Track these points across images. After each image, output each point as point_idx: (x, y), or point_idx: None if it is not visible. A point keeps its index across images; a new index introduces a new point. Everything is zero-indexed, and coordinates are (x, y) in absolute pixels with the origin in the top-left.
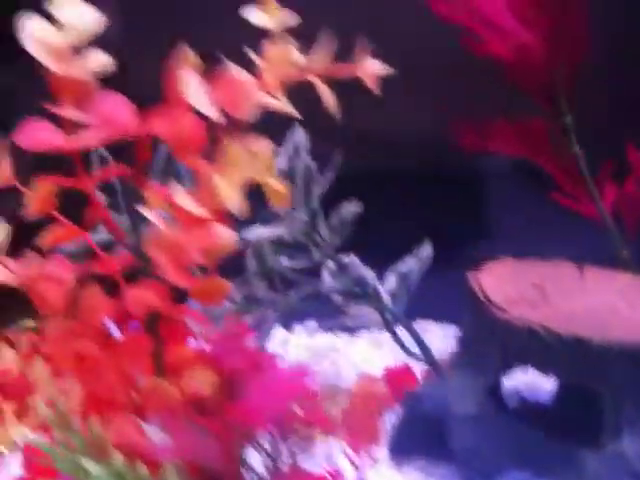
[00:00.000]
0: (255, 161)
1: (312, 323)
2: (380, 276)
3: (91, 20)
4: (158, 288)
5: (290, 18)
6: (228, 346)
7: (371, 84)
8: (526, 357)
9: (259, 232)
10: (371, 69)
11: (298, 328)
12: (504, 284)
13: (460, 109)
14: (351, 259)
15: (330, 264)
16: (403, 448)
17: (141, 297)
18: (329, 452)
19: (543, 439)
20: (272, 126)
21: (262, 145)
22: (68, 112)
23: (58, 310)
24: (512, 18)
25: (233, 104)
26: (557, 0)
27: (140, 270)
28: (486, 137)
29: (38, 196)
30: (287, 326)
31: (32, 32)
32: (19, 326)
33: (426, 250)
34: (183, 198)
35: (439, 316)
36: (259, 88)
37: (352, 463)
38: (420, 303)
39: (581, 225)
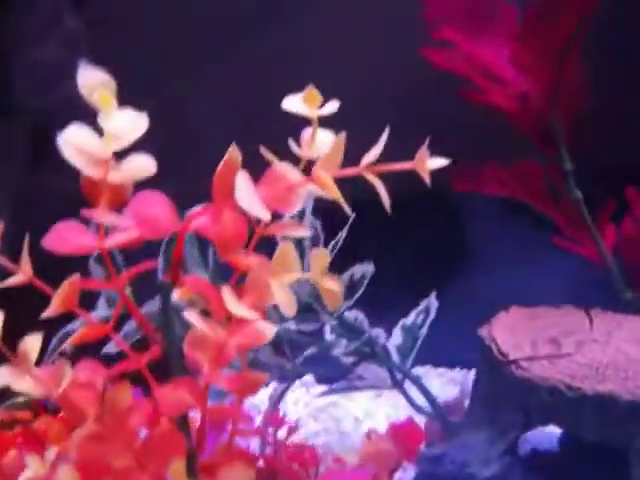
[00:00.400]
0: (312, 264)
1: (309, 378)
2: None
3: (137, 128)
4: (191, 386)
5: (334, 105)
6: (268, 440)
7: (426, 179)
8: (548, 416)
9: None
10: (430, 166)
11: (295, 384)
12: (517, 338)
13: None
14: (357, 316)
15: (333, 322)
16: None
17: (174, 397)
18: None
19: None
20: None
21: (321, 251)
22: (103, 217)
23: (90, 417)
24: (511, 67)
25: (283, 203)
26: (556, 48)
27: (173, 369)
28: (481, 181)
29: (62, 295)
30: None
31: (72, 140)
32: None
33: (431, 302)
34: (233, 302)
35: (438, 360)
36: (309, 184)
37: None
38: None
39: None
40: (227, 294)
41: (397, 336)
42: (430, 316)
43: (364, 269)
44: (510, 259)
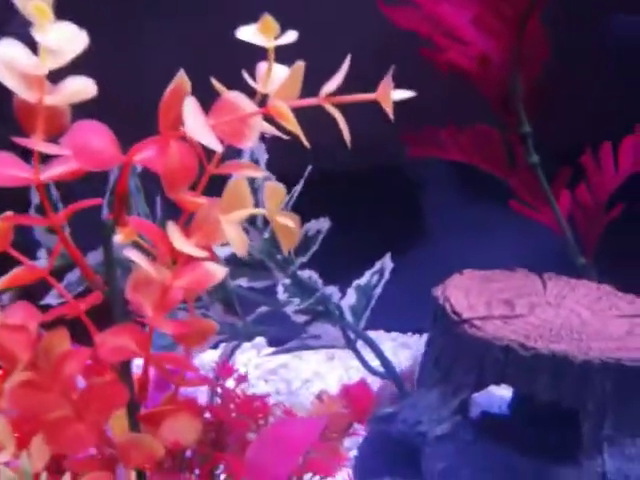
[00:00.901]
0: (267, 200)
1: (261, 340)
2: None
3: (76, 43)
4: (133, 332)
5: (291, 35)
6: (216, 390)
7: (389, 112)
8: (502, 376)
9: (215, 251)
10: (393, 97)
11: (246, 345)
12: (471, 299)
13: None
14: (311, 275)
15: (286, 280)
16: (370, 470)
17: (114, 343)
18: None
19: (516, 456)
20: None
21: (275, 185)
22: (39, 145)
23: (22, 363)
24: (473, 28)
25: (235, 136)
26: (518, 10)
27: (115, 314)
28: (438, 146)
29: None
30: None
31: (2, 56)
32: None
33: (386, 263)
34: (178, 238)
35: (390, 325)
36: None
37: None
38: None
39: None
40: (172, 229)
41: (351, 296)
42: (384, 277)
43: (319, 225)
44: (466, 225)
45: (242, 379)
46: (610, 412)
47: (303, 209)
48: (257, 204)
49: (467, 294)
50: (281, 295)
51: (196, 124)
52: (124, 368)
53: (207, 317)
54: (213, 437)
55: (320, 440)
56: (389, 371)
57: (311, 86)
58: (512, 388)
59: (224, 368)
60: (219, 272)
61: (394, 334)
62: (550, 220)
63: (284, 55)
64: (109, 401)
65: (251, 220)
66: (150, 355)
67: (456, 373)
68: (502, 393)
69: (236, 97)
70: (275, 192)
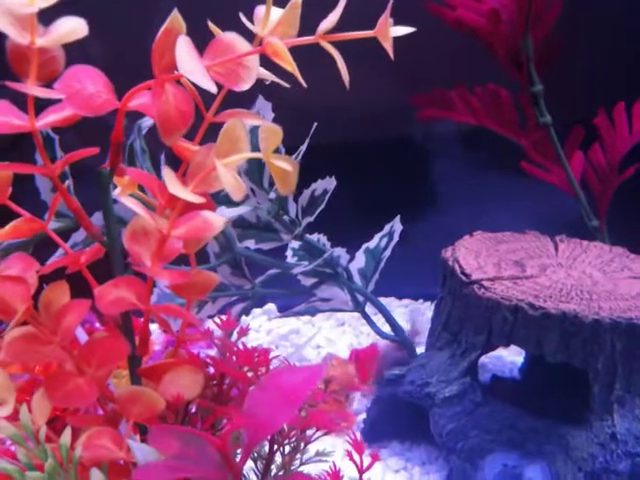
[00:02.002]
0: (263, 141)
1: (272, 306)
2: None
3: None
4: (133, 284)
5: None
6: (217, 345)
7: (388, 49)
8: (511, 336)
9: (222, 212)
10: (393, 33)
11: (257, 311)
12: (481, 260)
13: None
14: (319, 237)
15: (294, 244)
16: (378, 432)
17: (113, 295)
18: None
19: (525, 418)
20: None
21: (271, 126)
22: (32, 89)
23: (25, 315)
24: None
25: (231, 77)
26: None
27: (114, 266)
28: (447, 107)
29: None
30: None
31: None
32: None
33: (396, 226)
34: (173, 183)
35: (402, 292)
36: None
37: (354, 462)
38: (381, 280)
39: (549, 192)
40: (167, 174)
41: (360, 259)
42: (394, 239)
43: (325, 185)
44: (478, 191)
45: (243, 332)
46: (620, 373)
47: (315, 175)
48: (262, 166)
49: (477, 255)
50: (290, 258)
51: (190, 64)
52: (124, 321)
53: None
54: (215, 391)
55: (328, 401)
56: (398, 334)
57: None
58: (521, 349)
59: (226, 322)
60: (217, 221)
61: (406, 301)
62: (562, 181)
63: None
64: (110, 355)
65: (258, 181)
66: (149, 307)
67: (465, 334)
68: (514, 359)
69: (231, 37)
70: (271, 134)
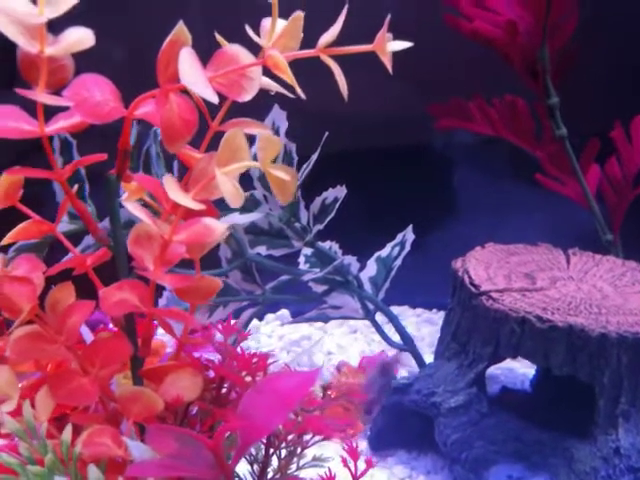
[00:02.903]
0: (261, 151)
1: (285, 312)
2: (360, 263)
3: None
4: (136, 287)
5: None
6: (218, 349)
7: (387, 62)
8: (518, 348)
9: (234, 219)
10: (390, 47)
11: (270, 317)
12: (491, 272)
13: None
14: (331, 245)
15: (307, 251)
16: (385, 440)
17: (117, 297)
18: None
19: (531, 430)
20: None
21: (270, 135)
22: (41, 97)
23: (30, 315)
24: None
25: (234, 88)
26: None
27: (119, 269)
28: (465, 118)
29: (3, 188)
30: (259, 315)
31: (2, 6)
32: None
33: (408, 235)
34: (174, 189)
35: (415, 301)
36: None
37: (349, 469)
38: (395, 288)
39: (564, 206)
40: (168, 181)
41: (371, 268)
42: (406, 248)
43: (336, 193)
44: (494, 203)
45: (243, 337)
46: (626, 387)
47: (330, 183)
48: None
49: (487, 267)
50: (302, 265)
51: (192, 74)
52: (128, 322)
53: (227, 285)
54: (215, 394)
55: (339, 410)
56: (405, 339)
57: None
58: (528, 361)
59: (227, 326)
60: (219, 228)
61: (419, 310)
62: (577, 194)
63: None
64: (113, 355)
65: (269, 187)
66: (152, 309)
67: (473, 345)
68: (526, 371)
69: (235, 49)
70: (269, 143)
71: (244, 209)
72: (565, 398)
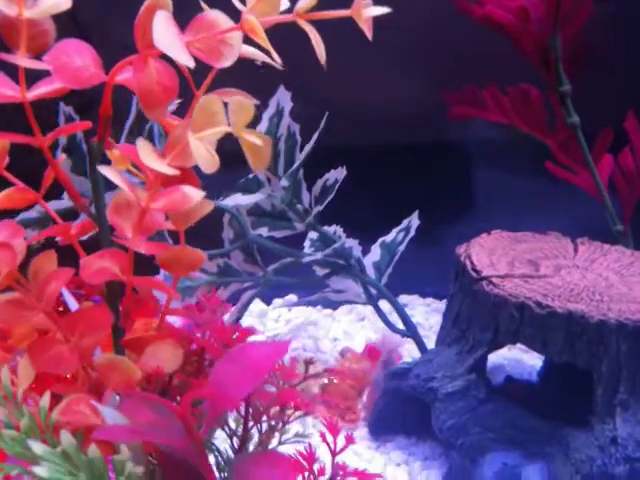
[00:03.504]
0: (233, 115)
1: (293, 297)
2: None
3: None
4: (117, 256)
5: None
6: (200, 321)
7: (366, 30)
8: (517, 334)
9: (236, 199)
10: (368, 12)
11: (278, 302)
12: (495, 258)
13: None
14: (335, 230)
15: (312, 235)
16: (385, 426)
17: (97, 265)
18: (304, 431)
19: (529, 418)
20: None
21: (241, 97)
22: (22, 60)
23: (7, 279)
24: None
25: (211, 53)
26: None
27: (101, 238)
28: (479, 106)
29: None
30: (266, 299)
31: None
32: None
33: (413, 221)
34: (148, 154)
35: (425, 291)
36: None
37: (328, 445)
38: (407, 278)
39: (577, 197)
40: (142, 146)
41: (375, 253)
42: (410, 234)
43: (337, 174)
44: (507, 194)
45: (225, 309)
46: (625, 376)
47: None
48: (277, 154)
49: (491, 253)
50: (307, 249)
51: (167, 37)
52: (110, 292)
53: (229, 266)
54: (196, 367)
55: (340, 398)
56: (407, 325)
57: None
58: (527, 347)
59: (209, 298)
60: (196, 195)
61: (429, 300)
62: (588, 184)
63: None
64: (94, 325)
65: (273, 170)
66: (131, 278)
67: (473, 331)
68: (534, 362)
69: (214, 15)
70: (241, 107)
71: (247, 190)
72: (570, 389)
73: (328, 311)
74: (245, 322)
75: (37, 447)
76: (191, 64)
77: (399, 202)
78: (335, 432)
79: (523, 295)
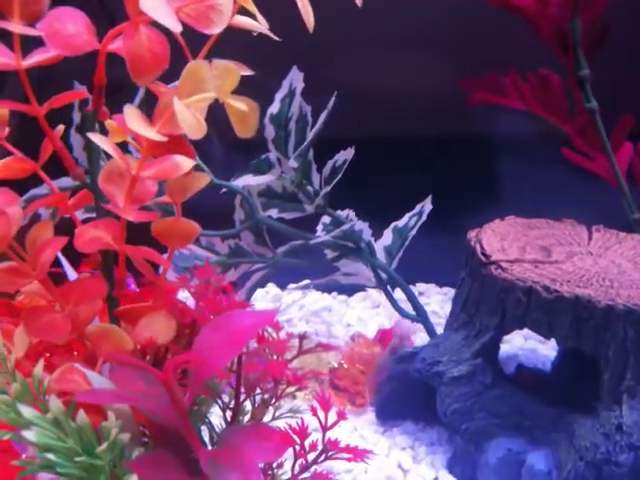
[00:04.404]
0: (218, 79)
1: (308, 282)
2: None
3: None
4: (110, 225)
5: None
6: (196, 294)
7: None
8: (524, 318)
9: (247, 180)
10: None
11: (293, 286)
12: (506, 243)
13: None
14: (348, 214)
15: (325, 219)
16: (392, 410)
17: (90, 234)
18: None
19: (536, 404)
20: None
21: (227, 62)
22: (16, 27)
23: (2, 247)
24: None
25: (200, 19)
26: None
27: (95, 207)
28: (499, 93)
29: None
30: (281, 284)
31: None
32: None
33: (426, 205)
34: (134, 120)
35: (442, 280)
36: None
37: (319, 419)
38: (424, 266)
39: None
40: (129, 112)
41: (387, 237)
42: (422, 218)
43: (345, 155)
44: (526, 184)
45: (219, 280)
46: (632, 362)
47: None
48: (288, 135)
49: (503, 238)
50: (320, 232)
51: (153, 1)
52: (105, 262)
53: (240, 247)
54: (189, 339)
55: (350, 383)
56: (420, 314)
57: None
58: (533, 332)
59: (203, 269)
60: (185, 164)
61: (445, 288)
62: (605, 170)
63: None
64: (88, 293)
65: (284, 151)
66: (124, 247)
67: (480, 315)
68: (549, 353)
69: None
70: (227, 72)
71: (257, 171)
72: (582, 378)
73: (343, 297)
74: (259, 307)
75: (27, 412)
76: (178, 29)
77: (420, 191)
78: (327, 407)
79: (531, 279)
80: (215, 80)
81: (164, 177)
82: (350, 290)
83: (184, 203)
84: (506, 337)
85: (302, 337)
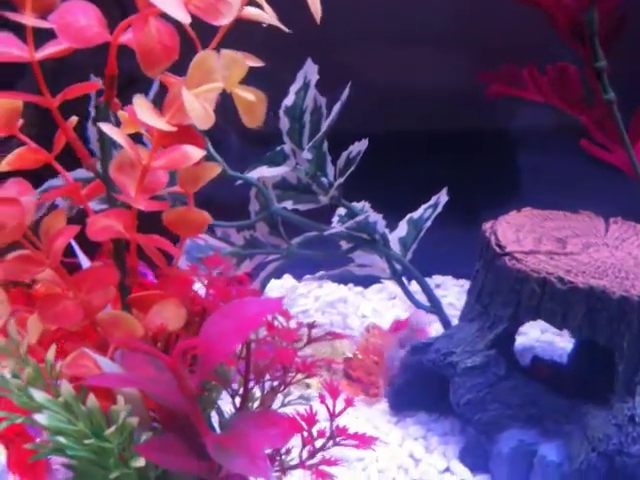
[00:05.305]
0: (225, 69)
1: (323, 273)
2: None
3: None
4: (122, 215)
5: None
6: (207, 283)
7: None
8: (538, 309)
9: (261, 172)
10: None
11: (308, 277)
12: (521, 234)
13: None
14: (363, 205)
15: (341, 211)
16: (406, 401)
17: (102, 223)
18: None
19: (550, 396)
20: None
21: (233, 52)
22: (28, 19)
23: (16, 235)
24: None
25: (208, 10)
26: None
27: (108, 197)
28: (517, 85)
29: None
30: (297, 275)
31: None
32: None
33: (442, 197)
34: (144, 111)
35: (459, 272)
36: None
37: (327, 407)
38: (442, 259)
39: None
40: (138, 102)
41: (402, 228)
42: (437, 210)
43: (359, 146)
44: (554, 180)
45: (227, 268)
46: None
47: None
48: (303, 127)
49: (518, 230)
50: (335, 224)
51: None
52: (117, 250)
53: (255, 238)
54: (198, 326)
55: (364, 373)
56: (432, 301)
57: None
58: (547, 323)
59: (211, 258)
60: (195, 154)
61: (462, 280)
62: (623, 162)
63: None
64: (100, 281)
65: (298, 143)
66: (134, 236)
67: (494, 306)
68: (566, 345)
69: None
70: (234, 62)
71: (272, 163)
72: (598, 371)
73: (359, 289)
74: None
75: (39, 395)
76: (187, 20)
77: (439, 183)
78: (335, 395)
79: (545, 270)
80: (223, 70)
81: (174, 167)
82: (365, 281)
83: (200, 194)
84: (523, 329)
85: (311, 326)
